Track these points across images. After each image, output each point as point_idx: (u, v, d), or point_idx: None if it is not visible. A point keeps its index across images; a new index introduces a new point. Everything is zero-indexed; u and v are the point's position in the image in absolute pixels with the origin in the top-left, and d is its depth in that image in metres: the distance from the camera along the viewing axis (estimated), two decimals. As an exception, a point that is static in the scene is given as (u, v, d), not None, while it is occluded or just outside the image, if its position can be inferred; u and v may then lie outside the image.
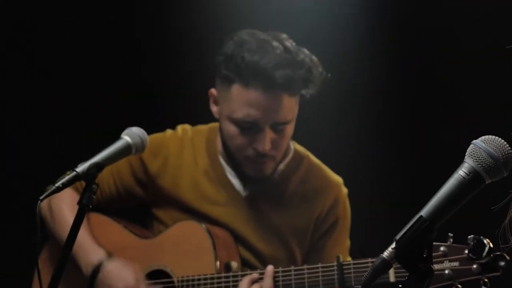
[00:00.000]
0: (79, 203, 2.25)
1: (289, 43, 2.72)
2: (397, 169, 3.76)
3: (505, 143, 1.34)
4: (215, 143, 2.88)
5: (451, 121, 3.77)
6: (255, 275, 2.66)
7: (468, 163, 1.32)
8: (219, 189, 2.85)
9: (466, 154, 1.33)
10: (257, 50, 2.66)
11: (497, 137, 1.34)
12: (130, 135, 2.37)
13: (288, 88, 2.67)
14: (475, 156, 1.32)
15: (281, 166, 2.85)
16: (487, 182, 1.32)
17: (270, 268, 2.65)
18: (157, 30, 3.90)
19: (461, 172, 1.32)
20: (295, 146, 2.90)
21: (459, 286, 2.37)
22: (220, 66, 2.73)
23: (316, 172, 2.89)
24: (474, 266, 2.34)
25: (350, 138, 3.81)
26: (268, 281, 2.63)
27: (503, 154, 1.31)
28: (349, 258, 2.81)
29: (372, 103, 3.78)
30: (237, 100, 2.70)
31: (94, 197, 2.25)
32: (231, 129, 2.74)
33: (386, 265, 1.34)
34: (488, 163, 1.31)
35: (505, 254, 2.29)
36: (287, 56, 2.67)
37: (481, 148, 1.32)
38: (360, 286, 2.56)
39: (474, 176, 1.31)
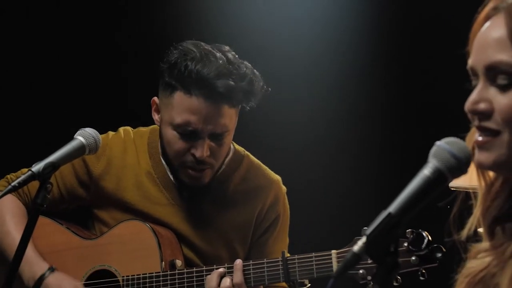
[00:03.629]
0: (34, 202, 2.28)
1: (232, 55, 2.76)
2: (335, 167, 3.85)
3: (466, 144, 1.44)
4: (157, 144, 2.90)
5: (382, 117, 3.88)
6: (222, 269, 2.68)
7: (433, 163, 1.41)
8: (162, 189, 2.88)
9: (430, 154, 1.42)
10: (200, 60, 2.69)
11: (458, 139, 1.44)
12: (84, 135, 2.41)
13: (229, 98, 2.70)
14: (439, 157, 1.40)
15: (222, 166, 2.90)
16: (449, 181, 1.42)
17: (239, 261, 2.67)
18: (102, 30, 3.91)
19: (426, 171, 1.40)
20: (234, 146, 2.95)
21: (398, 277, 2.48)
22: (163, 74, 2.76)
23: (256, 171, 2.94)
24: (413, 258, 2.45)
25: (287, 139, 3.89)
26: (238, 274, 2.65)
27: (465, 154, 1.41)
28: (288, 255, 2.87)
29: (305, 102, 3.87)
30: (178, 107, 2.72)
31: (48, 196, 2.28)
32: (171, 134, 2.76)
33: (356, 258, 1.40)
34: (452, 163, 1.39)
35: (441, 246, 2.41)
36: (229, 67, 2.71)
37: (445, 150, 1.41)
38: (306, 280, 2.65)
39: (438, 175, 1.39)
